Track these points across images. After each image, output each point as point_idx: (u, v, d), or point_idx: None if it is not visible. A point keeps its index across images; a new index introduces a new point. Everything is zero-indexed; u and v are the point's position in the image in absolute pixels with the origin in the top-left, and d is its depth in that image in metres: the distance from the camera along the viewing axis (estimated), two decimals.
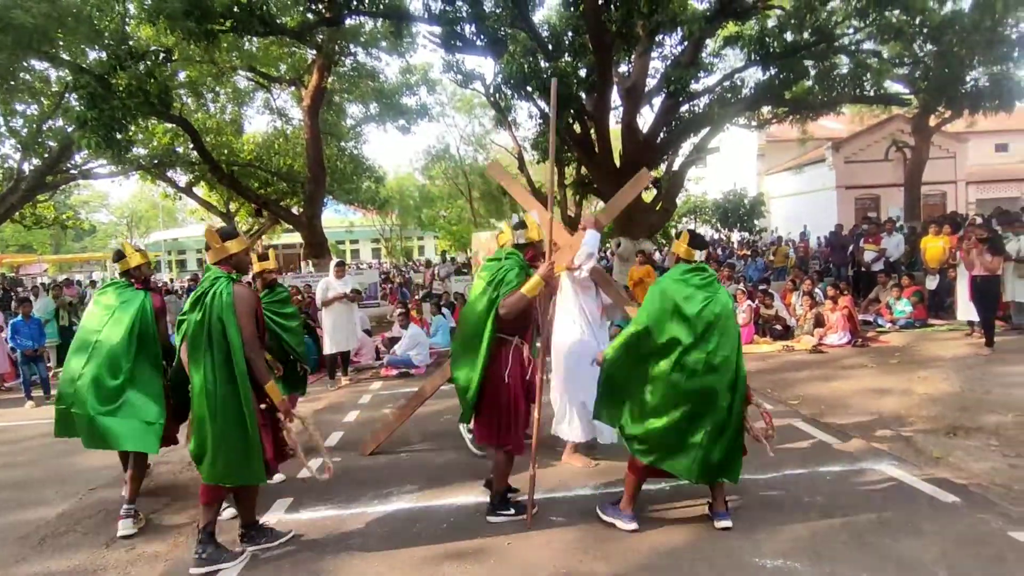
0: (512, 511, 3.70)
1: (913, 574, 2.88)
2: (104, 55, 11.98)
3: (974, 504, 3.52)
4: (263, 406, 3.29)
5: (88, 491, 4.56)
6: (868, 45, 13.17)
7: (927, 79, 12.23)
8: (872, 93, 13.52)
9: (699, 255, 3.53)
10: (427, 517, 3.77)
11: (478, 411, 3.63)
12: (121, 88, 11.14)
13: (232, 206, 24.32)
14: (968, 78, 11.69)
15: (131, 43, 12.50)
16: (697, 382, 3.25)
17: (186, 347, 3.29)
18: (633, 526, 3.41)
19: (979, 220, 8.87)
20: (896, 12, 11.41)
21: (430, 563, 3.24)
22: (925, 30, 11.57)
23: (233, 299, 3.17)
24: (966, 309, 8.21)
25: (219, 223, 28.46)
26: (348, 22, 14.70)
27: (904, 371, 6.80)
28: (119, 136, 11.89)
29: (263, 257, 5.05)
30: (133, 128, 15.14)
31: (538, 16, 13.75)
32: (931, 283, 9.82)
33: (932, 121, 15.94)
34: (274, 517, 3.86)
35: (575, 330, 4.42)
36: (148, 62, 11.98)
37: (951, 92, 11.70)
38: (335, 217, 32.81)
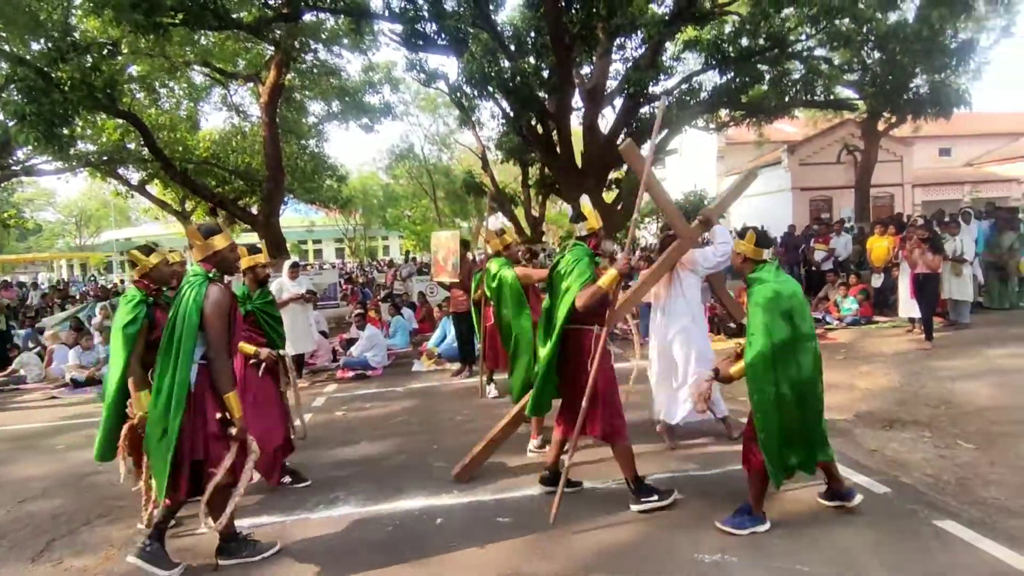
0: (656, 497, 3.62)
1: (845, 564, 2.97)
2: (47, 46, 11.49)
3: (904, 495, 3.66)
4: (219, 416, 3.07)
5: (16, 504, 4.36)
6: (820, 52, 13.60)
7: (874, 85, 12.69)
8: (823, 98, 13.97)
9: (766, 253, 3.50)
10: (372, 522, 3.72)
11: (589, 409, 3.55)
12: (64, 81, 10.70)
13: (188, 205, 23.65)
14: (911, 85, 12.17)
15: (75, 35, 12.00)
16: (813, 371, 3.30)
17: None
18: (767, 526, 3.33)
19: (920, 221, 9.24)
20: (845, 21, 11.82)
21: (373, 568, 3.20)
22: (872, 38, 12.01)
23: (203, 299, 3.02)
24: (907, 306, 8.55)
25: (175, 223, 27.63)
26: (307, 18, 14.46)
27: (848, 367, 7.03)
28: (64, 131, 11.43)
29: (254, 250, 4.59)
30: (81, 123, 14.61)
31: (500, 16, 13.76)
32: (876, 281, 10.19)
33: (880, 126, 16.54)
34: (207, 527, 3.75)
35: (695, 321, 4.61)
36: (93, 55, 11.53)
37: (896, 98, 12.16)
38: (296, 216, 32.25)
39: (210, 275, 3.15)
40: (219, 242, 3.20)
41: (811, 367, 3.29)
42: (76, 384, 8.87)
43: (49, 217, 46.47)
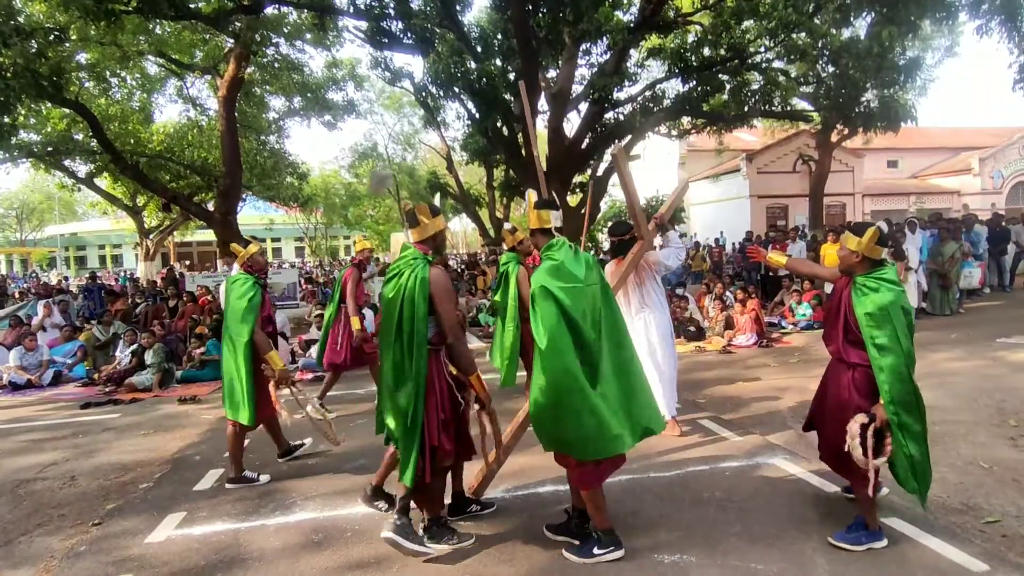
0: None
1: (795, 561, 3.06)
2: None
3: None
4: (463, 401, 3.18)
5: None
6: (778, 64, 14.06)
7: (828, 98, 13.18)
8: (780, 109, 14.42)
9: (885, 253, 3.21)
10: (331, 527, 3.64)
11: None
12: (6, 67, 10.18)
13: (139, 200, 22.83)
14: (862, 99, 12.68)
15: (20, 19, 11.43)
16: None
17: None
18: (884, 542, 3.15)
19: None
20: (802, 35, 12.24)
21: (331, 574, 3.13)
22: (827, 53, 12.48)
23: (429, 282, 2.99)
24: None
25: (125, 218, 26.59)
26: (269, 11, 14.12)
27: (802, 370, 7.26)
28: (5, 119, 10.89)
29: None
30: (24, 111, 13.90)
31: (467, 17, 13.74)
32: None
33: (833, 137, 17.19)
34: (163, 534, 3.62)
35: (665, 315, 4.96)
36: (39, 40, 11.00)
37: (848, 111, 12.65)
38: (254, 214, 31.51)
39: (429, 257, 3.11)
40: (440, 223, 3.19)
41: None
42: (15, 387, 8.42)
43: None
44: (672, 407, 4.99)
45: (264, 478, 4.44)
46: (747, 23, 12.84)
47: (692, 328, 9.59)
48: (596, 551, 3.09)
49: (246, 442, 4.58)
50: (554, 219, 3.20)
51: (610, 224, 4.66)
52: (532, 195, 3.48)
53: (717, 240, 21.40)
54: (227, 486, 4.36)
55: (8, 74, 10.11)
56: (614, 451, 2.97)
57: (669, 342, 4.97)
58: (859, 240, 3.11)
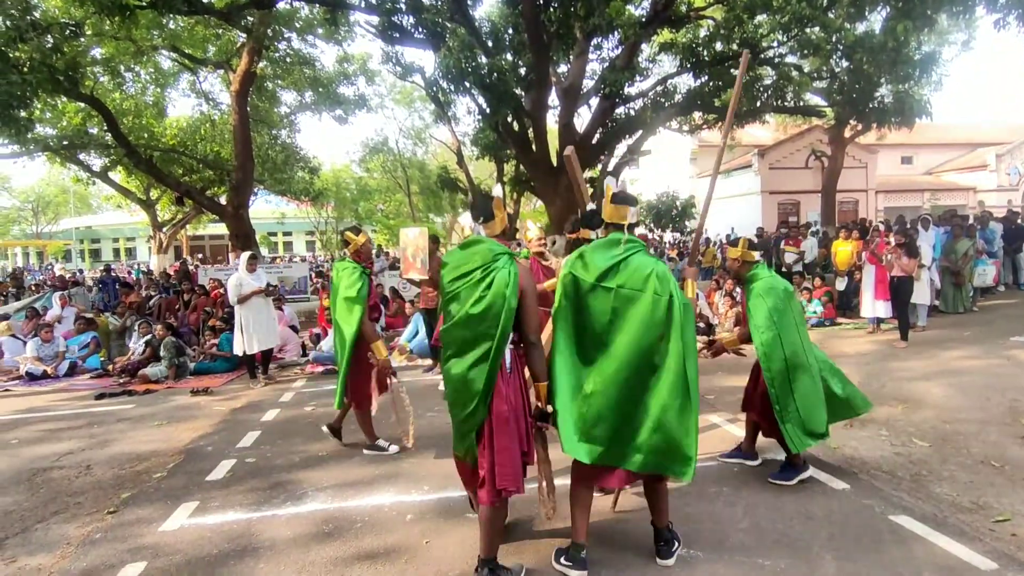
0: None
1: (802, 557, 3.06)
2: (5, 25, 11.04)
3: (861, 490, 3.78)
4: (540, 407, 2.89)
5: None
6: (790, 59, 13.90)
7: (841, 93, 13.03)
8: (793, 104, 14.28)
9: (757, 255, 4.14)
10: (341, 517, 3.69)
11: None
12: (23, 62, 10.31)
13: (153, 193, 23.05)
14: (877, 94, 12.53)
15: (36, 14, 11.56)
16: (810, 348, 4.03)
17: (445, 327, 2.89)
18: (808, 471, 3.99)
19: (881, 227, 9.54)
20: (815, 29, 12.09)
21: (341, 564, 3.17)
22: (840, 48, 12.31)
23: (520, 279, 2.77)
24: (870, 308, 8.83)
25: (139, 211, 26.87)
26: (281, 6, 14.19)
27: None
28: (22, 114, 11.02)
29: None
30: (40, 106, 14.09)
31: (478, 12, 13.71)
32: (840, 284, 10.48)
33: (846, 133, 17.01)
34: (176, 523, 3.69)
35: None
36: (55, 35, 11.13)
37: (861, 107, 12.50)
38: (266, 208, 31.68)
39: (518, 253, 3.08)
40: (505, 215, 3.02)
41: (809, 344, 3.99)
42: (32, 377, 8.57)
43: (3, 203, 44.72)
44: None
45: (393, 448, 4.75)
46: (760, 17, 12.70)
47: (702, 324, 9.55)
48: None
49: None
50: (630, 215, 3.06)
51: (569, 224, 4.55)
52: (610, 187, 3.22)
53: (728, 236, 21.23)
54: (364, 451, 4.78)
55: (25, 69, 10.24)
56: (568, 451, 2.92)
57: None
58: (736, 250, 4.12)
